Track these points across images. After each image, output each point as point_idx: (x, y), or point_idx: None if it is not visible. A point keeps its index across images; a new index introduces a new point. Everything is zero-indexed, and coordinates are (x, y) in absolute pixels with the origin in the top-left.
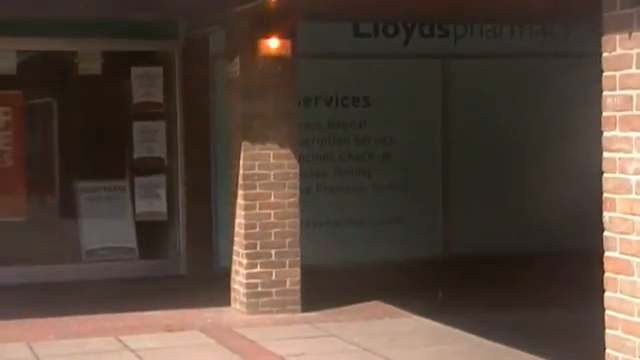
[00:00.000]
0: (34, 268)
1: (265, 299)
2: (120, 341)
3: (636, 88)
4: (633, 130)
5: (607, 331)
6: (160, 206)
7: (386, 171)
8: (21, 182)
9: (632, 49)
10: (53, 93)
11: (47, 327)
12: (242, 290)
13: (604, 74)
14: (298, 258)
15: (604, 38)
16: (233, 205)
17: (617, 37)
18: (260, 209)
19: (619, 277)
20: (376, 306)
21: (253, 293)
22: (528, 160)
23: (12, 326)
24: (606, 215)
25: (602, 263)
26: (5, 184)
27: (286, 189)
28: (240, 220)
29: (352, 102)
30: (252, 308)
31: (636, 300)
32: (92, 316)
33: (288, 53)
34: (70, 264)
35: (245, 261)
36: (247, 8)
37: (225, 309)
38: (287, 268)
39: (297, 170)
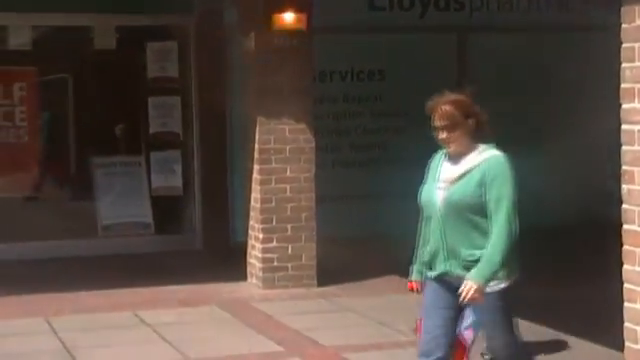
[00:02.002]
0: (50, 243)
1: (281, 274)
2: (137, 316)
3: None
4: None
5: (625, 304)
6: (176, 181)
7: (401, 145)
8: (36, 158)
9: None
10: (68, 69)
11: (64, 302)
12: (258, 265)
13: (623, 46)
14: (314, 233)
15: (623, 9)
16: (249, 180)
17: (636, 8)
18: (276, 184)
19: (638, 250)
20: (391, 280)
21: (269, 268)
22: (545, 133)
23: (29, 301)
24: (624, 187)
25: (620, 236)
26: (21, 160)
27: (302, 163)
28: (256, 195)
29: (367, 76)
30: (268, 283)
31: None
32: (108, 291)
33: (303, 27)
34: (86, 239)
35: (261, 236)
36: None
37: (241, 284)
38: (303, 243)
39: (313, 144)
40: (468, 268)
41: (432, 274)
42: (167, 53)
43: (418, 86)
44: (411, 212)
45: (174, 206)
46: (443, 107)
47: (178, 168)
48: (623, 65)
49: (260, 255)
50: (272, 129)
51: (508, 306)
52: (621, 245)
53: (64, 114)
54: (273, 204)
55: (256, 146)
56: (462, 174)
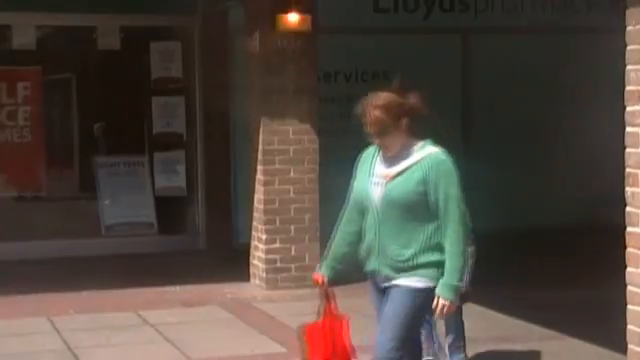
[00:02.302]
0: (53, 243)
1: (284, 274)
2: (139, 316)
3: None
4: None
5: (629, 307)
6: (179, 181)
7: None
8: (40, 157)
9: None
10: (72, 68)
11: (67, 302)
12: (261, 265)
13: (628, 48)
14: (317, 233)
15: (628, 11)
16: (252, 180)
17: None
18: (279, 184)
19: None
20: None
21: (272, 268)
22: (549, 135)
23: (32, 301)
24: (628, 190)
25: (624, 239)
26: (25, 159)
27: (305, 164)
28: (259, 195)
29: (372, 77)
30: (271, 283)
31: None
32: (111, 291)
33: (308, 28)
34: (89, 239)
35: (264, 236)
36: None
37: (244, 284)
38: (306, 243)
39: (316, 145)
40: (395, 268)
41: (368, 268)
42: (171, 53)
43: (422, 87)
44: None
45: (177, 206)
46: (372, 113)
47: (181, 168)
48: (628, 67)
49: (263, 256)
50: (276, 130)
51: (419, 310)
52: (624, 247)
53: (68, 114)
54: (277, 205)
55: (260, 147)
56: (401, 171)
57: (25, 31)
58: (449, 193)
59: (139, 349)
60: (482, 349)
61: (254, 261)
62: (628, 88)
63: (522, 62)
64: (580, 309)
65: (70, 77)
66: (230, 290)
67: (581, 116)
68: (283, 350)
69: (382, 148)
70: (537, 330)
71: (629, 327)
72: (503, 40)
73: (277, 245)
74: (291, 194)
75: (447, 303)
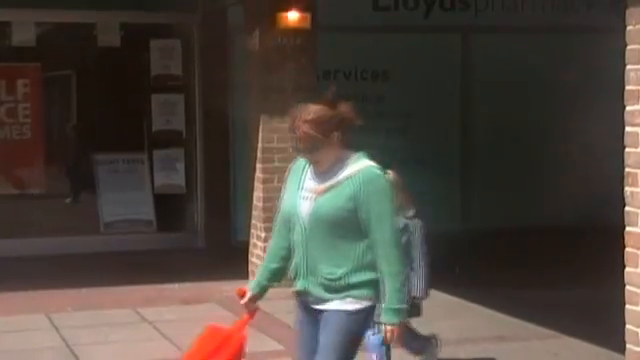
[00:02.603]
0: (52, 240)
1: None
2: (137, 313)
3: None
4: None
5: (627, 306)
6: (178, 179)
7: (404, 145)
8: (40, 154)
9: None
10: (72, 65)
11: (65, 299)
12: (259, 263)
13: (627, 47)
14: None
15: (628, 11)
16: (251, 178)
17: None
18: (279, 182)
19: None
20: None
21: None
22: (548, 134)
23: (31, 298)
24: (627, 190)
25: (623, 238)
26: (24, 156)
27: None
28: (258, 193)
29: (371, 76)
30: None
31: None
32: (110, 288)
33: (307, 26)
34: (88, 236)
35: (263, 234)
36: None
37: (242, 282)
38: None
39: None
40: (326, 287)
41: (296, 288)
42: (171, 51)
43: (422, 87)
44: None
45: (176, 204)
46: (301, 129)
47: (181, 166)
48: (627, 67)
49: (262, 254)
50: (275, 128)
51: (355, 333)
52: (623, 247)
53: (67, 111)
54: (276, 203)
55: (259, 145)
56: (332, 186)
57: (25, 28)
58: (381, 211)
59: (137, 346)
60: (480, 348)
61: (253, 259)
62: (628, 88)
63: (522, 61)
64: (579, 308)
65: (70, 74)
66: (228, 288)
67: (581, 115)
68: (280, 347)
69: (313, 163)
70: (536, 329)
71: (627, 326)
72: (503, 39)
73: None
74: None
75: (394, 328)
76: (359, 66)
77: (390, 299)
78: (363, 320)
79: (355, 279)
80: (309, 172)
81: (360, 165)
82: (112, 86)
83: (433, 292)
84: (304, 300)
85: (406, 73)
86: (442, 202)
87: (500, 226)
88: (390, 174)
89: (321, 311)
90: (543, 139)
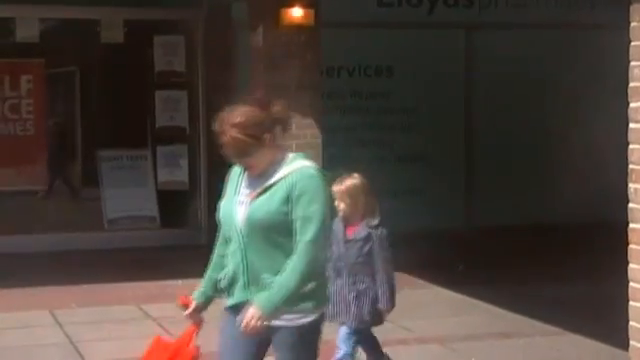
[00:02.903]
0: (56, 236)
1: None
2: (141, 309)
3: None
4: None
5: (631, 303)
6: (181, 175)
7: (409, 142)
8: (43, 150)
9: None
10: (75, 61)
11: (69, 295)
12: None
13: (632, 44)
14: None
15: (632, 7)
16: None
17: None
18: None
19: None
20: (397, 276)
21: None
22: (552, 131)
23: (35, 294)
24: (631, 187)
25: (626, 235)
26: (27, 152)
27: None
28: None
29: (375, 72)
30: None
31: None
32: (114, 284)
33: (311, 22)
34: (92, 232)
35: None
36: None
37: None
38: None
39: (320, 140)
40: None
41: (229, 303)
42: (174, 47)
43: (426, 83)
44: (417, 209)
45: (180, 200)
46: (230, 134)
47: (184, 162)
48: (632, 63)
49: None
50: None
51: (310, 345)
52: (627, 244)
53: (71, 107)
54: None
55: None
56: (266, 188)
57: (28, 23)
58: (310, 211)
59: (141, 343)
60: (485, 344)
61: None
62: (632, 84)
63: (525, 58)
64: (582, 305)
65: (73, 70)
66: None
67: (585, 112)
68: None
69: (246, 169)
70: (539, 326)
71: (631, 323)
72: (507, 36)
73: None
74: None
75: (258, 316)
76: (363, 63)
77: (277, 293)
78: (311, 332)
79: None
80: (245, 176)
81: (295, 166)
82: (115, 82)
83: (438, 289)
84: (241, 311)
85: (410, 70)
86: (446, 199)
87: (504, 223)
88: (351, 180)
89: (268, 329)
90: (547, 136)
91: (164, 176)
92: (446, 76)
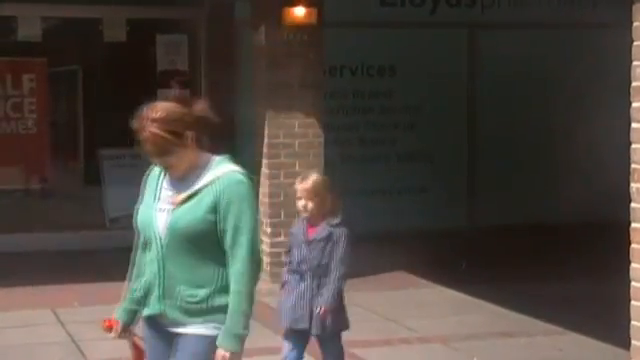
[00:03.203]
0: (58, 235)
1: None
2: None
3: None
4: None
5: (632, 303)
6: None
7: (411, 141)
8: (45, 149)
9: None
10: (78, 60)
11: (71, 294)
12: (265, 259)
13: (634, 44)
14: None
15: (634, 7)
16: (257, 174)
17: None
18: (285, 178)
19: None
20: (399, 276)
21: (277, 262)
22: (555, 131)
23: (37, 293)
24: (633, 186)
25: (628, 234)
26: (29, 151)
27: (311, 158)
28: (264, 189)
29: (377, 72)
30: (275, 277)
31: None
32: (115, 283)
33: (314, 21)
34: (94, 231)
35: (269, 230)
36: None
37: None
38: None
39: (322, 139)
40: (186, 311)
41: (145, 312)
42: (177, 46)
43: (428, 82)
44: (419, 208)
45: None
46: (148, 129)
47: None
48: (634, 63)
49: (268, 249)
50: (281, 123)
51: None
52: (629, 243)
53: (73, 106)
54: (281, 198)
55: (265, 140)
56: (190, 195)
57: (31, 22)
58: (240, 222)
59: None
60: (487, 344)
61: None
62: (634, 84)
63: (528, 57)
64: (584, 304)
65: (76, 69)
66: None
67: (587, 112)
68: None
69: (167, 169)
70: (541, 325)
71: (633, 323)
72: (509, 35)
73: (282, 239)
74: None
75: (229, 355)
76: (365, 62)
77: (233, 322)
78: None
79: (219, 301)
80: (165, 181)
81: (221, 170)
82: (118, 81)
83: (441, 289)
84: (157, 323)
85: (412, 69)
86: (448, 198)
87: (506, 223)
88: (315, 177)
89: (177, 337)
90: (549, 136)
91: None
92: (449, 75)
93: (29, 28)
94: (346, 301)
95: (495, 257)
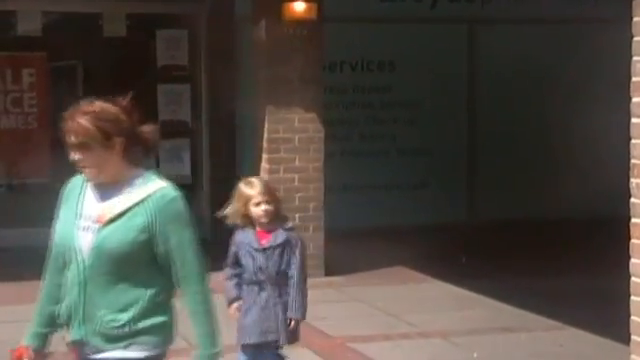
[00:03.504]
0: None
1: None
2: None
3: None
4: None
5: (632, 298)
6: (184, 169)
7: (411, 136)
8: (45, 144)
9: None
10: (78, 55)
11: None
12: None
13: (634, 39)
14: (322, 222)
15: (635, 2)
16: (257, 169)
17: None
18: (284, 173)
19: None
20: (400, 271)
21: None
22: (555, 126)
23: (36, 288)
24: (633, 181)
25: (628, 230)
26: (29, 146)
27: (310, 153)
28: None
29: (377, 67)
30: None
31: None
32: None
33: (314, 17)
34: None
35: None
36: None
37: None
38: (311, 232)
39: (322, 134)
40: (107, 337)
41: (69, 337)
42: (177, 41)
43: (428, 77)
44: (419, 203)
45: (182, 194)
46: (78, 120)
47: (187, 156)
48: (634, 58)
49: None
50: (281, 119)
51: None
52: (629, 238)
53: (73, 101)
54: (281, 194)
55: (265, 135)
56: (119, 214)
57: (31, 17)
58: (183, 240)
59: None
60: (487, 338)
61: None
62: (634, 79)
63: (528, 53)
64: (584, 299)
65: (76, 64)
66: None
67: (587, 107)
68: None
69: (83, 170)
70: (541, 320)
71: (632, 318)
72: (509, 30)
73: None
74: (296, 183)
75: None
76: (365, 57)
77: (205, 345)
78: None
79: (144, 324)
80: (88, 194)
81: (152, 187)
82: (118, 76)
83: (441, 284)
84: (79, 350)
85: (412, 64)
86: (448, 193)
87: (506, 218)
88: (264, 180)
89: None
90: (549, 130)
91: (166, 170)
92: (448, 70)
93: (29, 23)
94: (347, 296)
95: (495, 252)
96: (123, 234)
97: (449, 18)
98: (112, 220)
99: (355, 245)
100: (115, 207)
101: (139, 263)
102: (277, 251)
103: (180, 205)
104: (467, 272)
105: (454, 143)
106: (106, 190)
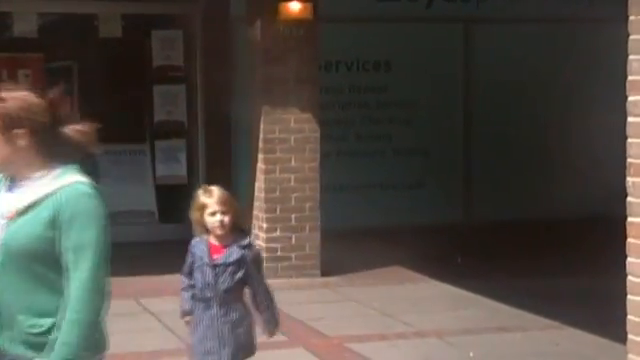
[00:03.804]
0: None
1: (285, 263)
2: (140, 304)
3: None
4: None
5: (629, 297)
6: (180, 170)
7: (407, 136)
8: None
9: None
10: (74, 56)
11: None
12: (262, 254)
13: (630, 37)
14: (318, 223)
15: (631, 1)
16: (253, 169)
17: None
18: (280, 173)
19: None
20: (396, 271)
21: (272, 257)
22: (551, 125)
23: None
24: (629, 180)
25: (625, 229)
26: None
27: (306, 153)
28: (260, 184)
29: (373, 67)
30: (271, 272)
31: None
32: (112, 278)
33: (309, 16)
34: None
35: (265, 225)
36: None
37: None
38: (307, 232)
39: (318, 134)
40: (30, 344)
41: None
42: (172, 41)
43: (424, 77)
44: (415, 203)
45: (178, 195)
46: None
47: (182, 157)
48: (630, 57)
49: (264, 245)
50: (277, 119)
51: None
52: (625, 237)
53: (69, 101)
54: (277, 194)
55: (261, 135)
56: (25, 208)
57: (26, 18)
58: (83, 240)
59: (139, 337)
60: (482, 338)
61: None
62: (630, 78)
63: (524, 52)
64: (580, 299)
65: (71, 65)
66: None
67: (584, 107)
68: (284, 339)
69: None
70: (537, 320)
71: (629, 317)
72: (505, 29)
73: (277, 234)
74: (292, 183)
75: None
76: (361, 57)
77: (56, 351)
78: None
79: None
80: (3, 189)
81: (64, 181)
82: (113, 77)
83: (437, 284)
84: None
85: (408, 64)
86: (444, 193)
87: (503, 218)
88: (222, 189)
89: None
90: (545, 130)
91: (162, 171)
92: (444, 70)
93: (25, 24)
94: (343, 297)
95: (491, 252)
96: (31, 228)
97: (445, 18)
98: (20, 214)
99: (351, 245)
100: (23, 200)
101: (53, 262)
102: (229, 269)
103: (90, 203)
104: (463, 272)
105: (450, 143)
106: (20, 186)
